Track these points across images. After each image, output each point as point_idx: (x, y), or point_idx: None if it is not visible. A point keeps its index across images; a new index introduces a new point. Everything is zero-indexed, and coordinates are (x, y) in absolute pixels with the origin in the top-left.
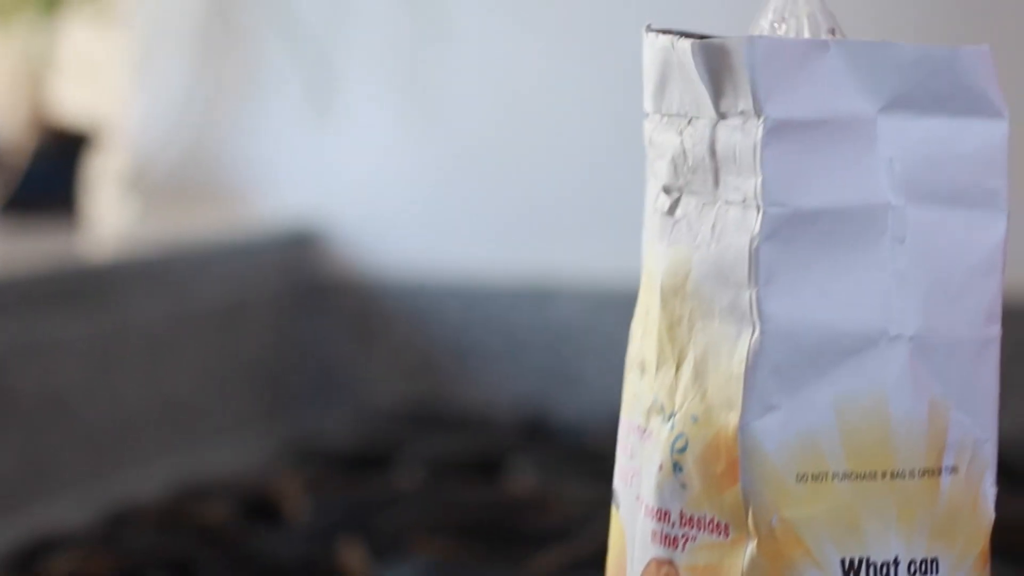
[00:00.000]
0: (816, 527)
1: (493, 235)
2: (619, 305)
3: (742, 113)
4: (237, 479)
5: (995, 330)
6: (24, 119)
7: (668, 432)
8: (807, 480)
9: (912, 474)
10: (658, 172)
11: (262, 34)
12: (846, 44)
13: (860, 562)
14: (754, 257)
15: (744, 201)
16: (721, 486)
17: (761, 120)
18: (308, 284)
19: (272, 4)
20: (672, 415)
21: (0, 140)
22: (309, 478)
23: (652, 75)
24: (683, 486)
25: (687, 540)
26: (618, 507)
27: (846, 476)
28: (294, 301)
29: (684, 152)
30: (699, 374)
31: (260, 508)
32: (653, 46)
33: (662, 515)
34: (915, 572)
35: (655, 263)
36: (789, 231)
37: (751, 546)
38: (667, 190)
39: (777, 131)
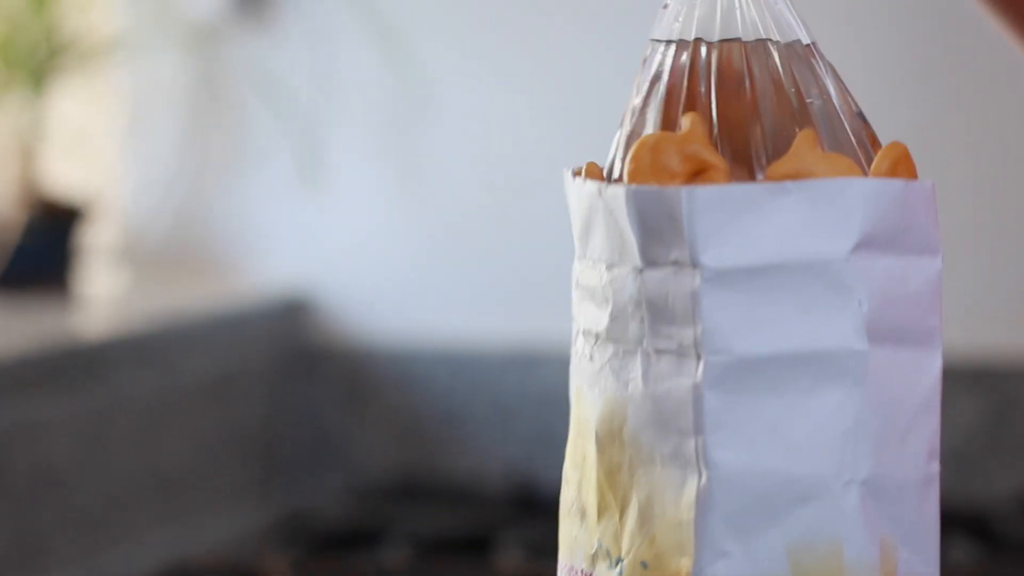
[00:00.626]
0: None
1: (481, 302)
2: None
3: (674, 262)
4: (226, 558)
5: (936, 467)
6: (15, 194)
7: None
8: None
9: None
10: (579, 316)
11: (250, 105)
12: (809, 185)
13: None
14: (697, 405)
15: (679, 349)
16: None
17: (698, 270)
18: (298, 352)
19: (259, 75)
20: (619, 561)
21: None
22: (297, 557)
23: (578, 219)
24: None
25: None
26: None
27: None
28: (284, 369)
29: (607, 299)
30: (645, 520)
31: None
32: (580, 190)
33: None
34: None
35: (588, 410)
36: (734, 378)
37: None
38: (587, 334)
39: (717, 280)
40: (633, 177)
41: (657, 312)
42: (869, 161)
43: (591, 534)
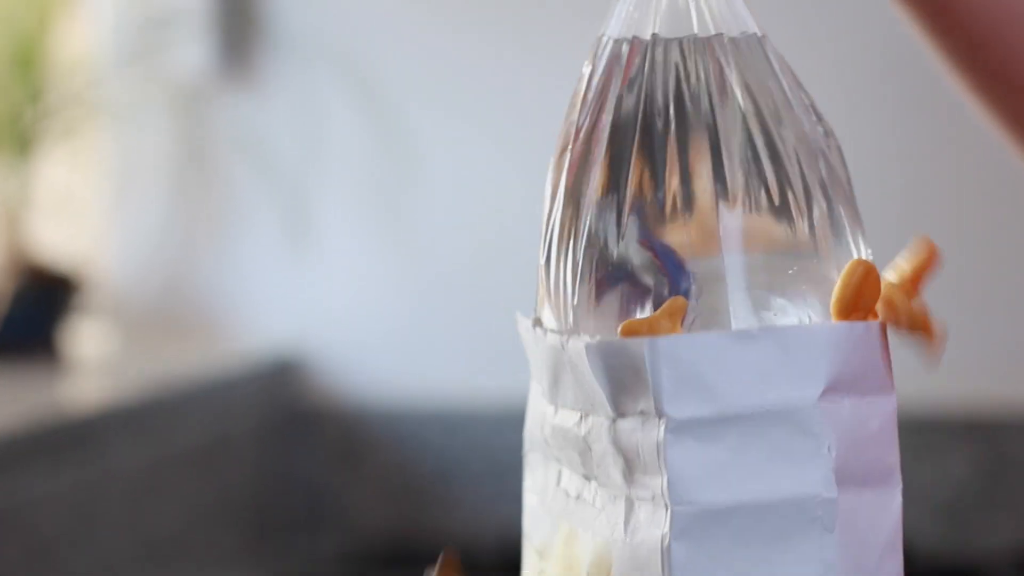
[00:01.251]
0: None
1: (472, 360)
2: None
3: (641, 413)
4: None
5: None
6: (2, 260)
7: None
8: None
9: None
10: (564, 459)
11: (237, 167)
12: (774, 333)
13: None
14: (665, 556)
15: (653, 498)
16: None
17: (663, 420)
18: (289, 413)
19: (245, 137)
20: None
21: None
22: None
23: (543, 368)
24: None
25: None
26: None
27: None
28: (276, 431)
29: (588, 446)
30: None
31: None
32: (540, 343)
33: None
34: None
35: (580, 553)
36: (700, 529)
37: None
38: (572, 476)
39: (682, 430)
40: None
41: (631, 461)
42: (825, 159)
43: None
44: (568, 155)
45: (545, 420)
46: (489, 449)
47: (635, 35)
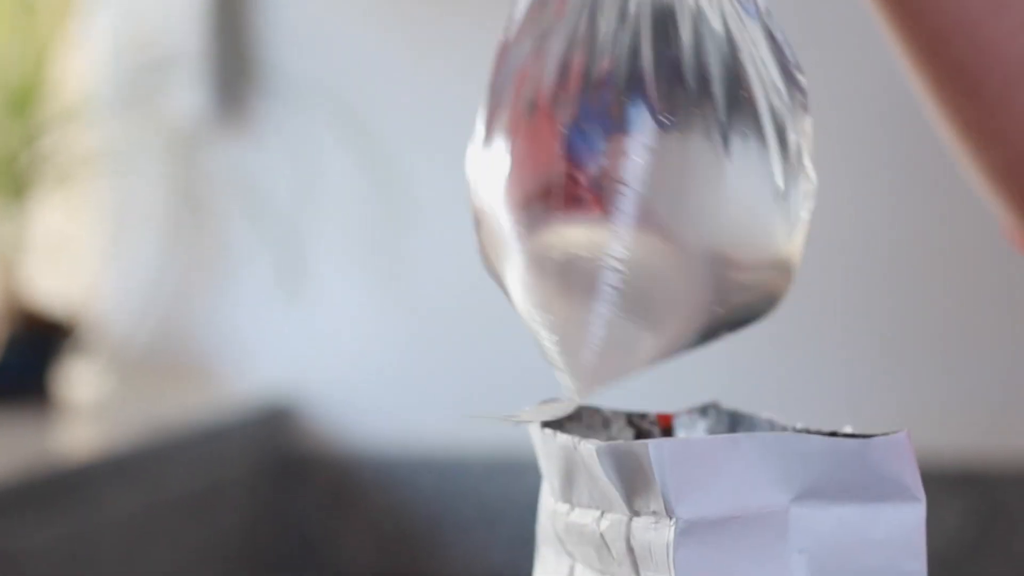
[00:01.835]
0: None
1: (465, 407)
2: None
3: (654, 513)
4: None
5: None
6: None
7: None
8: None
9: None
10: (578, 555)
11: (231, 212)
12: (757, 439)
13: None
14: None
15: None
16: None
17: (673, 522)
18: (281, 460)
19: (239, 182)
20: None
21: None
22: None
23: (556, 469)
24: None
25: None
26: None
27: None
28: (268, 476)
29: (606, 544)
30: None
31: None
32: (550, 442)
33: None
34: None
35: None
36: None
37: None
38: (590, 570)
39: (688, 532)
40: None
41: (642, 559)
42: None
43: None
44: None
45: (557, 517)
46: (480, 496)
47: None
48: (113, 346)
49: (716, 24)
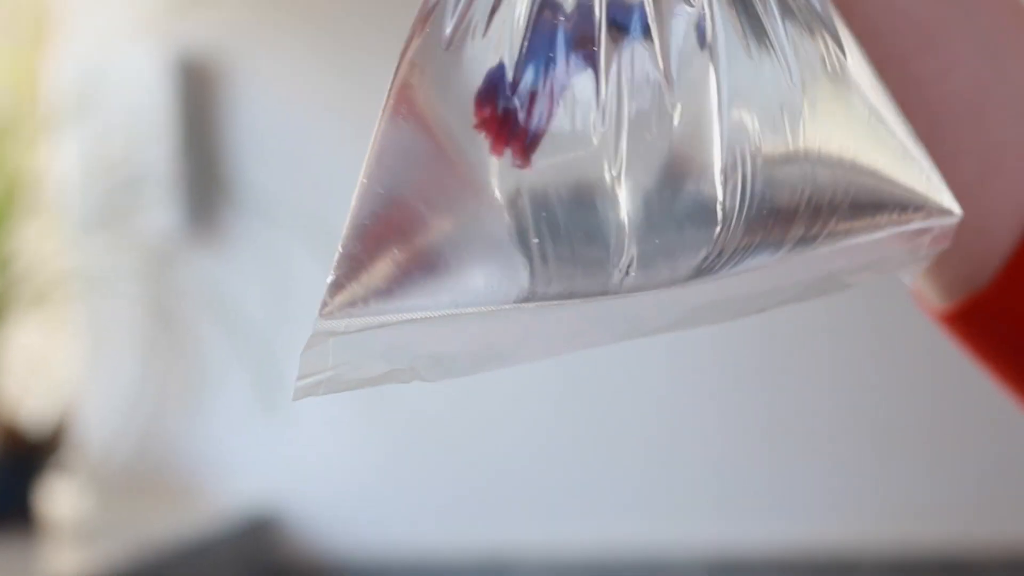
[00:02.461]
0: None
1: (446, 514)
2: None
3: None
4: None
5: None
6: None
7: None
8: None
9: None
10: None
11: (207, 329)
12: None
13: None
14: None
15: None
16: None
17: None
18: (267, 572)
19: (214, 297)
20: None
21: None
22: None
23: None
24: None
25: None
26: None
27: None
28: None
29: None
30: None
31: None
32: None
33: None
34: None
35: None
36: None
37: None
38: None
39: None
40: None
41: None
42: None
43: None
44: None
45: None
46: None
47: None
48: (94, 464)
49: None
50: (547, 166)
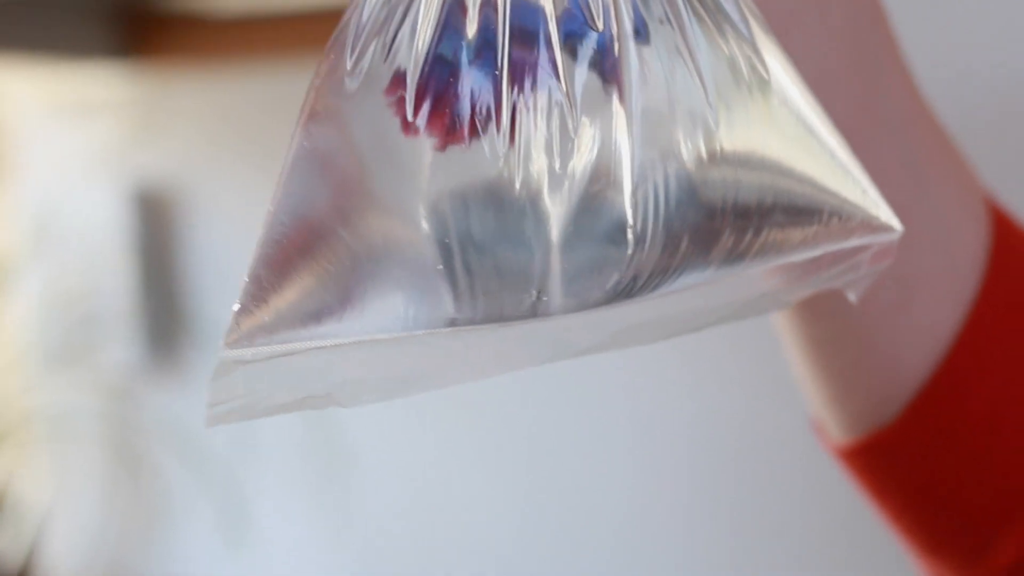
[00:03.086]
0: None
1: None
2: None
3: None
4: None
5: None
6: None
7: None
8: None
9: None
10: None
11: (171, 464)
12: None
13: None
14: None
15: None
16: None
17: None
18: None
19: (178, 434)
20: None
21: None
22: None
23: None
24: None
25: None
26: None
27: None
28: None
29: None
30: None
31: None
32: None
33: None
34: None
35: None
36: None
37: None
38: None
39: None
40: None
41: None
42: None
43: None
44: None
45: None
46: None
47: None
48: None
49: None
50: (462, 176)
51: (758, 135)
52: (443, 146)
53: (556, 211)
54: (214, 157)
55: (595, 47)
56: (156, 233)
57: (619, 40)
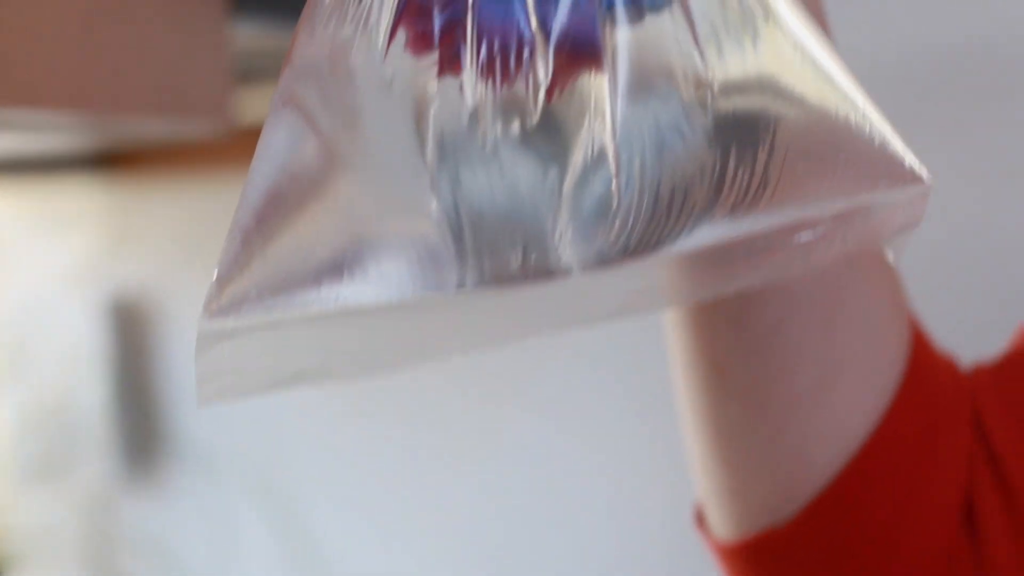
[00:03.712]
0: None
1: None
2: None
3: None
4: None
5: None
6: None
7: None
8: None
9: None
10: None
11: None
12: None
13: None
14: None
15: None
16: None
17: None
18: None
19: (155, 549)
20: None
21: None
22: None
23: None
24: None
25: None
26: None
27: None
28: None
29: None
30: None
31: None
32: None
33: None
34: None
35: None
36: None
37: None
38: None
39: None
40: None
41: None
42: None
43: None
44: None
45: None
46: None
47: None
48: None
49: None
50: (462, 115)
51: (756, 66)
52: (446, 71)
53: (558, 161)
54: (189, 268)
55: None
56: (132, 344)
57: None
